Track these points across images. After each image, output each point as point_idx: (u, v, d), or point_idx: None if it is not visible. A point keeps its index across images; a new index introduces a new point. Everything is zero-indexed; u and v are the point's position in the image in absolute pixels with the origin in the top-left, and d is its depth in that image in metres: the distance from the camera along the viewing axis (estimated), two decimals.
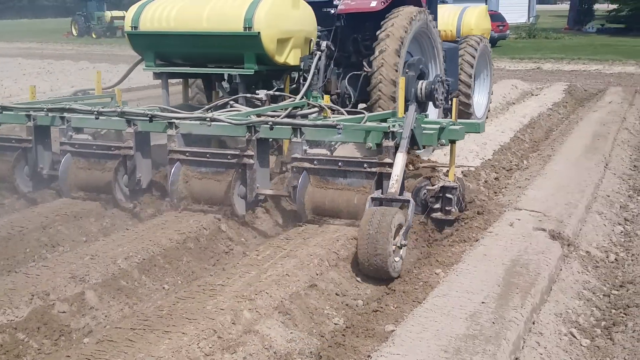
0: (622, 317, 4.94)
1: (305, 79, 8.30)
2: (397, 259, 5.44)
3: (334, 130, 6.24)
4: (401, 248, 5.52)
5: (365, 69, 8.92)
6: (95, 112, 7.02)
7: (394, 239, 5.37)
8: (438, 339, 4.12)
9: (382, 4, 8.85)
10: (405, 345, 4.05)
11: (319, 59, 8.40)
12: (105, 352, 3.97)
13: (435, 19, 10.03)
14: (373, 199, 5.77)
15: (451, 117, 7.29)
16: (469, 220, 6.62)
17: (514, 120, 12.74)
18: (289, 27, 7.97)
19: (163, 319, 4.36)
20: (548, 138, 12.07)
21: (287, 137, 6.56)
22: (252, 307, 4.48)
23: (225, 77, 8.88)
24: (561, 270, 5.58)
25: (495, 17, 33.64)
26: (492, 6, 42.09)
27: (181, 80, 9.38)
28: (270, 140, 7.00)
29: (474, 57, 11.55)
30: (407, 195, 5.89)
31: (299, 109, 7.54)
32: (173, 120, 6.72)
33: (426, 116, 7.47)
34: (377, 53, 8.60)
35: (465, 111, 11.17)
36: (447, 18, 12.39)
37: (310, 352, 4.30)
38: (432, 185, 6.51)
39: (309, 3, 8.51)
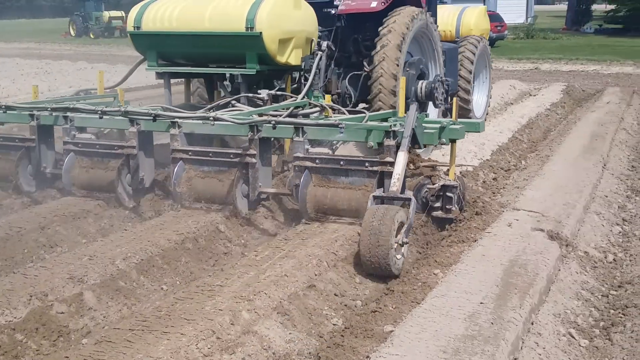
0: (621, 317, 4.95)
1: (306, 79, 8.36)
2: (398, 256, 5.46)
3: (336, 130, 6.29)
4: (403, 246, 5.55)
5: (365, 69, 8.98)
6: (99, 112, 7.07)
7: (396, 237, 5.39)
8: (437, 340, 4.12)
9: (383, 4, 8.91)
10: (404, 345, 4.05)
11: (320, 59, 8.44)
12: (103, 353, 3.96)
13: (435, 19, 10.10)
14: (375, 197, 5.80)
15: (451, 117, 7.31)
16: (468, 221, 6.62)
17: (512, 120, 12.74)
18: (291, 28, 8.03)
19: (161, 319, 4.35)
20: (546, 138, 12.07)
21: (289, 136, 6.60)
22: (251, 307, 4.48)
23: (227, 77, 8.90)
24: (559, 270, 5.59)
25: (493, 17, 33.61)
26: (490, 6, 42.02)
27: (183, 80, 9.43)
28: (272, 139, 7.03)
29: (473, 57, 11.60)
30: (409, 194, 5.92)
31: (300, 108, 7.59)
32: (176, 120, 6.75)
33: (426, 116, 7.50)
34: (378, 47, 8.66)
35: (464, 111, 11.20)
36: (446, 18, 12.44)
37: (309, 353, 4.30)
38: (433, 184, 6.54)
39: (310, 3, 8.55)
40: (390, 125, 6.18)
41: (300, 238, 5.86)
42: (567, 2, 57.58)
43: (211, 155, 6.76)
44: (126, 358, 3.90)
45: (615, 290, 5.50)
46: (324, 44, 8.60)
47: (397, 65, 8.60)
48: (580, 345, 4.54)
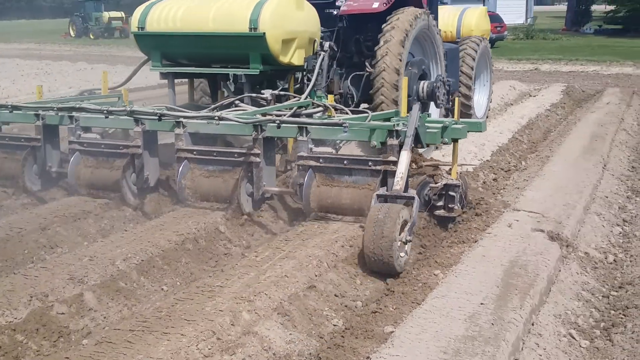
0: (621, 318, 4.94)
1: (309, 79, 8.42)
2: (402, 254, 5.50)
3: (340, 129, 6.33)
4: (406, 244, 5.59)
5: (367, 69, 9.04)
6: (105, 111, 7.11)
7: (399, 235, 5.43)
8: (437, 340, 4.12)
9: (384, 5, 8.98)
10: (404, 346, 4.05)
11: (323, 59, 8.50)
12: (104, 354, 3.96)
13: (436, 20, 10.14)
14: (378, 195, 5.83)
15: (452, 117, 7.35)
16: (468, 222, 6.63)
17: (512, 121, 12.74)
18: (294, 28, 8.08)
19: (162, 320, 4.35)
20: (546, 139, 12.08)
21: (293, 135, 6.64)
22: (251, 308, 4.48)
23: (231, 77, 9.00)
24: (560, 271, 5.58)
25: (493, 18, 33.54)
26: (489, 7, 41.99)
27: (186, 80, 9.49)
28: (275, 139, 7.07)
29: (474, 58, 11.65)
30: (412, 192, 5.95)
31: (304, 108, 7.65)
32: (181, 119, 6.79)
33: (429, 115, 7.54)
34: (382, 43, 8.73)
35: (465, 111, 11.23)
36: (447, 19, 12.49)
37: (310, 354, 4.29)
38: (435, 183, 6.58)
39: (312, 4, 8.61)
40: (394, 125, 6.20)
41: (300, 239, 5.86)
42: (566, 3, 57.61)
43: (216, 155, 6.80)
44: (126, 359, 3.90)
45: (616, 291, 5.50)
46: (326, 44, 8.66)
47: (400, 61, 8.66)
48: (580, 346, 4.54)
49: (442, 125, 6.52)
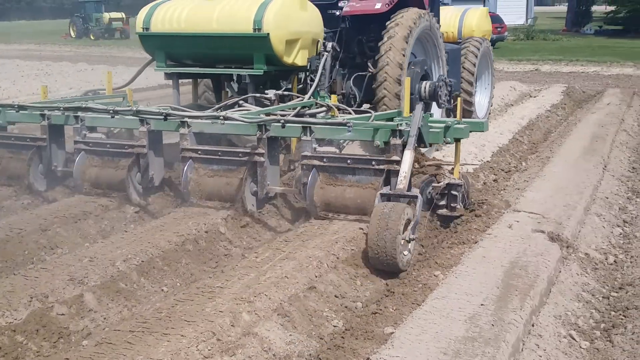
0: (622, 319, 4.94)
1: (312, 80, 8.50)
2: (405, 252, 5.54)
3: (344, 129, 6.38)
4: (409, 242, 5.62)
5: (369, 69, 9.11)
6: (111, 111, 7.18)
7: (403, 233, 5.47)
8: (437, 342, 4.12)
9: (387, 5, 9.06)
10: (404, 347, 4.04)
11: (325, 59, 8.55)
12: (104, 355, 3.96)
13: (437, 20, 10.20)
14: (382, 194, 5.88)
15: (453, 118, 7.39)
16: (468, 223, 6.63)
17: (512, 122, 12.75)
18: (297, 29, 8.16)
19: (162, 321, 4.35)
20: (546, 140, 12.08)
21: (297, 135, 6.68)
22: (251, 309, 4.48)
23: (235, 77, 9.07)
24: (560, 272, 5.58)
25: (493, 18, 33.47)
26: (490, 8, 42.04)
27: (190, 80, 9.57)
28: (279, 139, 7.13)
29: (475, 58, 11.68)
30: (415, 191, 6.00)
31: (307, 108, 7.71)
32: (186, 119, 6.85)
33: (431, 115, 7.58)
34: (385, 39, 8.80)
35: (467, 111, 11.25)
36: (448, 19, 12.54)
37: (310, 355, 4.29)
38: (438, 183, 6.62)
39: (315, 5, 8.69)
40: (397, 125, 6.26)
41: (300, 240, 5.86)
42: (567, 4, 57.63)
43: (220, 154, 6.86)
44: (126, 359, 3.90)
45: (616, 292, 5.49)
46: (329, 44, 8.75)
47: (404, 55, 8.75)
48: (581, 347, 4.54)
49: (444, 125, 6.58)
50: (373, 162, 6.27)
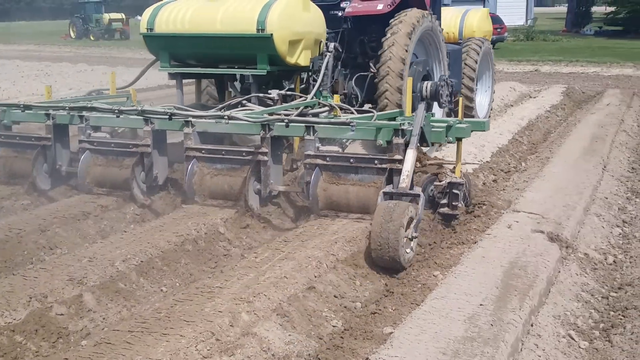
0: (621, 319, 4.94)
1: (314, 80, 8.57)
2: (407, 250, 5.59)
3: (347, 128, 6.43)
4: (412, 240, 5.68)
5: (371, 69, 9.21)
6: (117, 111, 7.24)
7: (405, 231, 5.52)
8: (436, 342, 4.12)
9: (389, 6, 9.15)
10: (404, 347, 4.04)
11: (328, 60, 8.61)
12: (103, 355, 3.96)
13: (439, 21, 10.26)
14: (385, 193, 5.94)
15: (455, 117, 7.45)
16: (468, 223, 6.63)
17: (512, 122, 12.75)
18: (300, 29, 8.23)
19: (161, 321, 4.35)
20: (546, 140, 12.08)
21: (300, 134, 6.73)
22: (250, 309, 4.48)
23: (238, 77, 9.14)
24: (559, 272, 5.58)
25: (493, 19, 33.47)
26: (489, 8, 42.07)
27: (193, 80, 9.64)
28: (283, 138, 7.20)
29: (476, 59, 11.75)
30: (418, 190, 6.04)
31: (310, 108, 7.78)
32: (190, 119, 6.90)
33: (432, 115, 7.62)
34: (389, 35, 8.89)
35: (467, 112, 11.29)
36: (449, 20, 12.62)
37: (309, 355, 4.29)
38: (440, 182, 6.67)
39: (317, 6, 8.75)
40: (400, 124, 6.31)
41: (299, 240, 5.86)
42: (567, 4, 57.63)
43: (224, 154, 6.91)
44: None
45: (615, 292, 5.49)
46: (331, 45, 8.79)
47: (406, 51, 8.82)
48: (580, 347, 4.54)
49: (446, 124, 6.64)
50: (376, 161, 6.32)
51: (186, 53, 8.72)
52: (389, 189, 6.04)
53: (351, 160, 6.42)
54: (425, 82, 9.43)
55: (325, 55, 8.62)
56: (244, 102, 7.89)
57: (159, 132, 7.17)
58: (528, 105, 15.47)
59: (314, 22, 8.58)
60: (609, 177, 8.85)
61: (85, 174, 7.32)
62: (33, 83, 20.63)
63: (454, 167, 6.79)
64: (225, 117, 6.77)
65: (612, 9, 48.97)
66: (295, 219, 6.86)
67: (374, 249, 5.49)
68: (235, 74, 8.96)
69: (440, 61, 10.17)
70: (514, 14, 52.91)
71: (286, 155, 7.83)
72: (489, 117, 12.82)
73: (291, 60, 8.20)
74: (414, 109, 8.12)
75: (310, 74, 8.81)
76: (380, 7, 9.12)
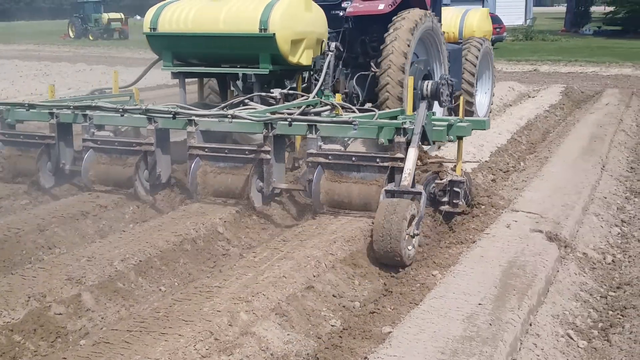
0: (619, 318, 4.94)
1: (316, 79, 8.66)
2: (409, 247, 5.67)
3: (349, 127, 6.50)
4: (414, 237, 5.74)
5: (372, 69, 9.30)
6: (121, 110, 7.30)
7: (408, 228, 5.59)
8: (435, 341, 4.12)
9: (390, 6, 9.25)
10: (402, 346, 4.04)
11: (330, 59, 8.72)
12: (101, 354, 3.96)
13: (439, 21, 10.36)
14: (387, 191, 6.01)
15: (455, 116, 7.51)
16: (466, 222, 6.63)
17: (510, 122, 12.75)
18: (302, 29, 8.32)
19: (159, 320, 4.34)
20: (545, 140, 12.08)
21: (303, 133, 6.78)
22: (249, 308, 4.48)
23: (240, 76, 9.22)
24: (558, 271, 5.58)
25: (492, 19, 33.58)
26: (489, 8, 42.03)
27: (196, 79, 9.74)
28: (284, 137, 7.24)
29: (476, 59, 11.83)
30: (419, 188, 6.10)
31: (311, 107, 7.86)
32: (193, 118, 6.96)
33: (433, 114, 7.67)
34: (391, 30, 8.98)
35: (467, 111, 11.33)
36: (449, 20, 12.70)
37: (307, 354, 4.29)
38: (441, 180, 6.72)
39: (319, 5, 8.84)
40: (402, 123, 6.36)
41: (298, 239, 5.86)
42: (566, 4, 57.64)
43: (227, 152, 6.96)
44: (124, 359, 3.89)
45: (614, 292, 5.50)
46: (332, 44, 8.89)
47: (408, 46, 8.89)
48: (578, 346, 4.54)
49: (447, 123, 6.70)
50: (377, 160, 6.38)
51: (189, 52, 8.81)
52: (391, 186, 6.10)
53: (353, 158, 6.48)
54: (426, 81, 9.51)
55: (327, 55, 8.71)
56: (246, 101, 7.96)
57: (163, 131, 7.23)
58: (527, 105, 15.47)
59: (316, 21, 8.66)
60: (607, 176, 8.85)
61: (89, 172, 7.38)
62: (32, 83, 20.63)
63: (455, 166, 6.84)
64: (229, 115, 6.84)
65: (611, 8, 49.02)
66: (297, 217, 6.89)
67: (377, 244, 5.56)
68: (237, 73, 9.03)
69: (441, 61, 10.26)
70: (513, 14, 52.94)
71: (288, 153, 7.89)
72: (489, 116, 12.85)
73: (293, 59, 8.28)
74: (414, 108, 8.17)
75: (311, 73, 8.88)
76: (381, 7, 9.20)
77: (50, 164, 7.62)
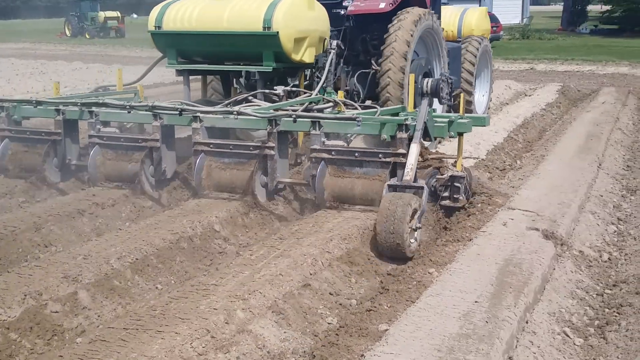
0: (616, 316, 4.95)
1: (318, 77, 8.80)
2: (412, 240, 5.78)
3: (352, 123, 6.61)
4: (416, 231, 5.84)
5: (373, 67, 9.44)
6: (128, 107, 7.43)
7: (410, 222, 5.69)
8: (431, 339, 4.12)
9: (391, 5, 9.39)
10: (399, 344, 4.04)
11: (332, 57, 8.83)
12: (97, 352, 3.95)
13: (439, 19, 10.45)
14: (389, 185, 6.11)
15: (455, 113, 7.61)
16: (463, 220, 6.64)
17: (507, 120, 12.78)
18: (305, 27, 8.46)
19: (156, 318, 4.34)
20: (541, 138, 12.10)
21: (307, 129, 6.89)
22: (246, 306, 4.47)
23: (243, 73, 9.32)
24: (554, 269, 5.59)
25: (489, 18, 33.64)
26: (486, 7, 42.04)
27: (199, 77, 9.84)
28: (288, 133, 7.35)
29: (475, 57, 11.94)
30: (421, 183, 6.19)
31: (314, 103, 7.96)
32: (198, 114, 7.08)
33: (434, 110, 7.75)
34: (391, 30, 9.12)
35: (466, 109, 11.37)
36: (448, 19, 12.81)
37: (304, 352, 4.29)
38: (442, 175, 6.84)
39: (320, 4, 8.94)
40: (404, 119, 6.47)
41: (295, 237, 5.86)
42: (562, 3, 57.67)
43: (231, 148, 7.08)
44: (120, 357, 3.89)
45: (610, 289, 5.51)
46: (334, 42, 9.00)
47: (408, 47, 9.03)
48: (574, 344, 4.55)
49: (448, 119, 6.81)
50: (380, 155, 6.50)
51: (193, 50, 8.94)
52: (393, 181, 6.20)
53: (356, 154, 6.60)
54: (426, 79, 9.66)
55: (329, 53, 8.82)
56: (249, 98, 8.06)
57: (168, 127, 7.34)
58: (523, 103, 15.49)
59: (319, 20, 8.78)
60: (604, 175, 8.86)
61: (95, 167, 7.47)
62: (28, 81, 20.58)
63: (455, 161, 6.94)
64: (234, 112, 6.94)
65: (608, 7, 49.04)
66: (295, 215, 6.94)
67: (380, 236, 5.67)
68: (240, 71, 9.14)
69: (441, 59, 10.38)
70: (510, 13, 52.94)
71: (290, 149, 7.95)
72: (488, 112, 12.93)
73: (296, 57, 8.41)
74: (415, 106, 8.25)
75: (313, 70, 9.00)
76: (382, 5, 9.35)
77: (57, 160, 7.74)
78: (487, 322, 4.33)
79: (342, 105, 7.74)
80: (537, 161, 9.57)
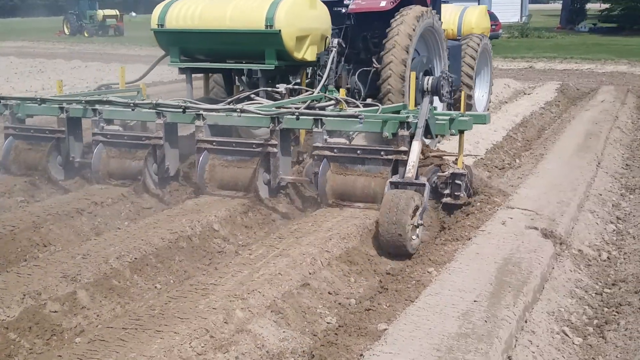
0: (615, 315, 4.95)
1: (320, 75, 8.86)
2: (414, 237, 5.85)
3: (355, 121, 6.65)
4: (417, 227, 5.90)
5: (374, 65, 9.47)
6: (132, 105, 7.49)
7: (412, 219, 5.75)
8: (430, 338, 4.12)
9: (391, 3, 9.44)
10: (398, 343, 4.05)
11: (333, 55, 8.87)
12: (97, 352, 3.95)
13: (439, 18, 10.47)
14: (391, 182, 6.19)
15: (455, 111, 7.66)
16: (462, 219, 6.63)
17: (506, 119, 12.78)
18: (307, 25, 8.51)
19: (155, 318, 4.34)
20: (540, 137, 12.09)
21: (309, 127, 6.92)
22: (245, 306, 4.47)
23: (245, 71, 9.33)
24: (553, 268, 5.59)
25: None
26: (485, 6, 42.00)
27: (200, 75, 9.87)
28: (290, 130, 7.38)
29: (475, 55, 11.99)
30: (423, 180, 6.25)
31: (315, 101, 8.00)
32: (202, 112, 7.13)
33: (435, 108, 7.78)
34: (393, 26, 9.16)
35: (466, 107, 11.42)
36: (448, 17, 12.87)
37: (303, 351, 4.29)
38: (443, 172, 6.86)
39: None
40: (406, 117, 6.52)
41: (294, 237, 5.86)
42: (561, 1, 57.68)
43: (234, 145, 7.15)
44: (119, 357, 3.89)
45: (609, 288, 5.51)
46: (335, 41, 9.03)
47: (410, 40, 9.07)
48: (573, 343, 4.55)
49: (449, 117, 6.84)
50: (382, 153, 6.55)
51: (196, 48, 8.99)
52: (395, 178, 6.25)
53: (358, 151, 6.65)
54: (427, 77, 9.73)
55: (331, 51, 8.86)
56: (252, 95, 8.12)
57: (171, 125, 7.38)
58: (522, 102, 15.49)
59: (320, 18, 8.82)
60: (603, 173, 8.86)
61: (99, 165, 7.52)
62: (27, 80, 20.57)
63: (456, 159, 6.97)
64: (238, 110, 6.99)
65: (607, 6, 49.04)
66: (295, 215, 6.94)
67: (382, 232, 5.72)
68: (242, 69, 9.17)
69: (441, 57, 10.44)
70: (509, 11, 52.91)
71: (292, 147, 7.96)
72: (489, 109, 13.01)
73: (298, 55, 8.45)
74: (416, 103, 8.30)
75: (315, 69, 9.05)
76: (383, 4, 9.40)
77: (61, 158, 7.80)
78: (486, 321, 4.33)
79: (344, 103, 7.78)
80: (536, 160, 9.57)
